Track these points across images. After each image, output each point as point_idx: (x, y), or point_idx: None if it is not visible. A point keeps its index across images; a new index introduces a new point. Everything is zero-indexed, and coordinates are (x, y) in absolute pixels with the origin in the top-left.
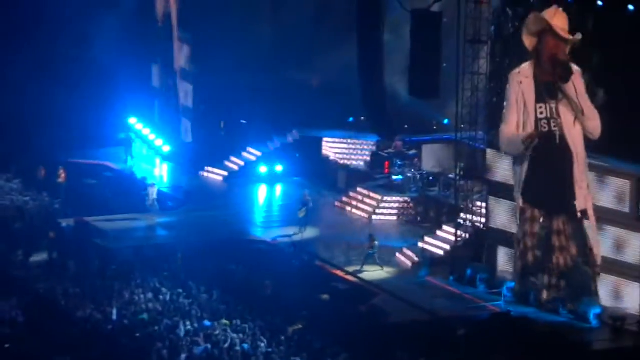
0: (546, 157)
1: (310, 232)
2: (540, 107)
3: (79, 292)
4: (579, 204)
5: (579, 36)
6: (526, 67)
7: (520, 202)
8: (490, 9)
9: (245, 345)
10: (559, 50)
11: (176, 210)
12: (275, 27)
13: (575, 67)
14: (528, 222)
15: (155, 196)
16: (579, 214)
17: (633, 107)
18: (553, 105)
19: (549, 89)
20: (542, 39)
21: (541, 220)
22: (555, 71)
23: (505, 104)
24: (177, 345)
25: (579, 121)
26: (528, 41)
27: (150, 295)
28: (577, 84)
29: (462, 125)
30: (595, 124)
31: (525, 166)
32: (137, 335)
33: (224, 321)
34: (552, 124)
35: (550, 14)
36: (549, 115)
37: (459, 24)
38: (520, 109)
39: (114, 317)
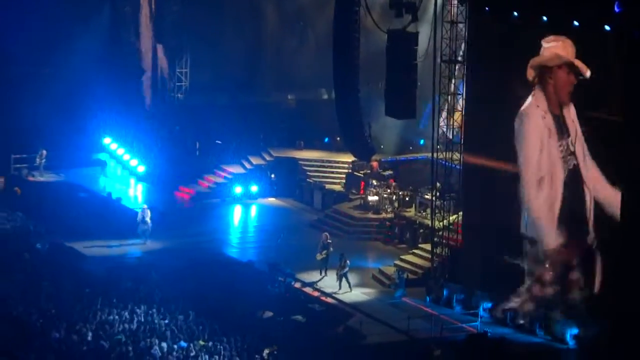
0: (570, 194)
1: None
2: (560, 145)
3: (54, 313)
4: (590, 238)
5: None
6: (540, 99)
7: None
8: (466, 29)
9: None
10: (572, 87)
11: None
12: (252, 47)
13: None
14: (549, 259)
15: (149, 219)
16: (593, 246)
17: None
18: (567, 140)
19: (563, 122)
20: (553, 73)
21: (562, 254)
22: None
23: (522, 143)
24: None
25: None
26: (532, 72)
27: (126, 315)
28: None
29: (439, 146)
30: None
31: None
32: (113, 356)
33: (200, 342)
34: (570, 162)
35: (566, 48)
36: (565, 151)
37: (435, 44)
38: (544, 146)
39: (89, 338)
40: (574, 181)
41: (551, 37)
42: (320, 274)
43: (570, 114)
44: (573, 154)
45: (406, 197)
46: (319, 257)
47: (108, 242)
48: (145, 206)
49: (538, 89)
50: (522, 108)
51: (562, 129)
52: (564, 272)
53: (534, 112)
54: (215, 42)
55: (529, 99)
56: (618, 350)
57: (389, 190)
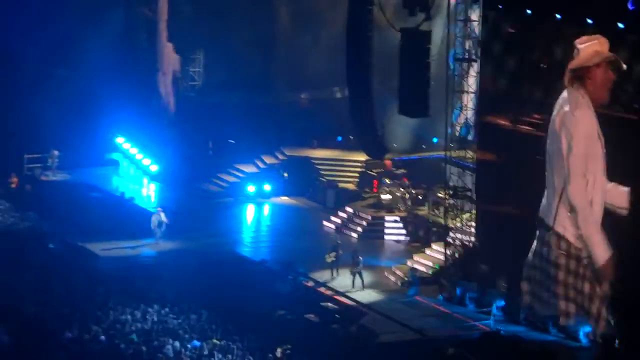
0: None
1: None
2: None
3: (66, 313)
4: None
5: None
6: (582, 93)
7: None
8: (480, 27)
9: None
10: (611, 83)
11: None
12: (265, 46)
13: None
14: (573, 259)
15: (165, 220)
16: None
17: None
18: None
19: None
20: (591, 72)
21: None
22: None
23: (570, 147)
24: None
25: None
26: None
27: (138, 315)
28: None
29: (452, 145)
30: None
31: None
32: (126, 355)
33: (214, 340)
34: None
35: (602, 45)
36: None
37: (448, 42)
38: (595, 140)
39: (102, 337)
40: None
41: (585, 38)
42: (332, 275)
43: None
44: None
45: (419, 196)
46: (328, 259)
47: (121, 241)
48: (160, 208)
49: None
50: (562, 97)
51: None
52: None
53: (581, 102)
54: (228, 41)
55: (569, 90)
56: (629, 348)
57: (402, 189)
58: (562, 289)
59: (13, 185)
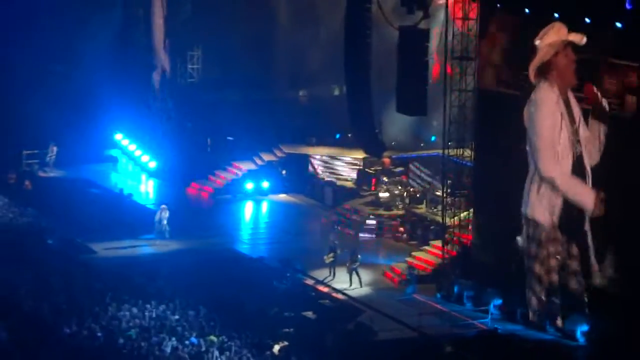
0: None
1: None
2: (570, 128)
3: (65, 308)
4: (588, 229)
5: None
6: (552, 86)
7: (547, 222)
8: (478, 25)
9: None
10: (574, 64)
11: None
12: (263, 43)
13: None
14: (552, 243)
15: (166, 221)
16: (589, 236)
17: None
18: (574, 127)
19: (570, 108)
20: (552, 63)
21: (562, 240)
22: (595, 111)
23: (536, 128)
24: None
25: (588, 145)
26: (533, 73)
27: (136, 311)
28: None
29: (450, 142)
30: (600, 150)
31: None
32: (124, 352)
33: (211, 337)
34: (577, 147)
35: (557, 32)
36: (573, 137)
37: (446, 40)
38: (558, 131)
39: (100, 333)
40: (578, 171)
41: (541, 33)
42: (330, 274)
43: (573, 100)
44: (578, 141)
45: (417, 194)
46: (327, 259)
47: (119, 238)
48: (164, 206)
49: (548, 78)
50: (534, 95)
51: (571, 115)
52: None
53: (548, 97)
54: (226, 38)
55: (540, 85)
56: (627, 345)
57: (400, 187)
58: (538, 266)
59: (12, 181)
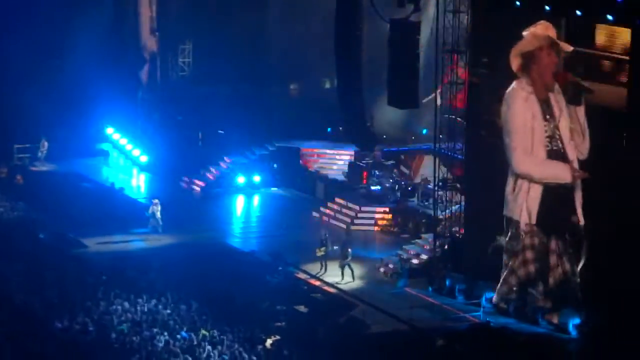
0: None
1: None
2: (545, 125)
3: (56, 303)
4: (580, 220)
5: (569, 48)
6: (524, 84)
7: (524, 218)
8: (469, 18)
9: (225, 357)
10: (555, 67)
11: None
12: (255, 37)
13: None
14: (528, 236)
15: (159, 215)
16: (581, 231)
17: None
18: (553, 124)
19: (549, 106)
20: (535, 57)
21: (540, 234)
22: (567, 92)
23: (509, 126)
24: (156, 357)
25: (574, 140)
26: (516, 61)
27: (127, 305)
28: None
29: (441, 136)
30: (587, 145)
31: (535, 184)
32: (116, 346)
33: (203, 332)
34: (554, 143)
35: (545, 30)
36: (551, 133)
37: (437, 33)
38: (529, 129)
39: (92, 328)
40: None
41: (531, 26)
42: (321, 268)
43: (557, 98)
44: (559, 137)
45: (409, 187)
46: (318, 253)
47: (111, 232)
48: (156, 200)
49: (523, 75)
50: (506, 93)
51: (547, 112)
52: (544, 254)
53: (518, 95)
54: (217, 32)
55: (513, 84)
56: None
57: (391, 180)
58: (513, 260)
59: (3, 175)
